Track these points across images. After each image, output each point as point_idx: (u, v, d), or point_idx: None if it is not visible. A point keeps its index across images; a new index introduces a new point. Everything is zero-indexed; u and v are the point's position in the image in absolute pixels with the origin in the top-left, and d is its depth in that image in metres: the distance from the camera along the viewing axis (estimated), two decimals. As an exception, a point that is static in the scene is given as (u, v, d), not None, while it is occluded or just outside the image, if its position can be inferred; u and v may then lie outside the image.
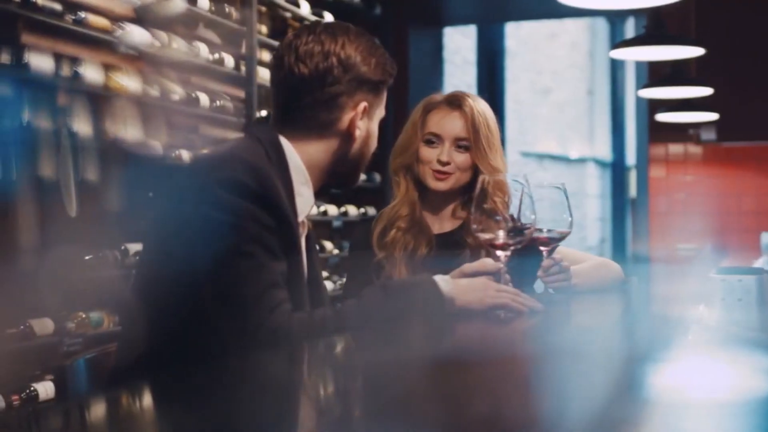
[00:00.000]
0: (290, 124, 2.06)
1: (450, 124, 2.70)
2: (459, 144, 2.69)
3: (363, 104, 2.07)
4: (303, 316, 1.90)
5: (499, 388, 1.35)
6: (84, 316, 3.65)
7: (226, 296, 1.83)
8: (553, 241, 2.35)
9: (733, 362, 1.66)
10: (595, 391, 1.25)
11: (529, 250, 2.32)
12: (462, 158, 2.68)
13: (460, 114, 2.70)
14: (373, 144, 2.16)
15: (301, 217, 2.04)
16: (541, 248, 2.38)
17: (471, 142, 2.67)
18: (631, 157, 11.08)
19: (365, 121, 2.09)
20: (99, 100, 3.80)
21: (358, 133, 2.08)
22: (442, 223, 2.77)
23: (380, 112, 2.15)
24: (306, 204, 2.06)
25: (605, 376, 1.37)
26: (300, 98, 2.05)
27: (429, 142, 2.71)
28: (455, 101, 2.72)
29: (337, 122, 2.06)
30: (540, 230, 2.29)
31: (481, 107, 2.71)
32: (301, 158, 2.05)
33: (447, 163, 2.67)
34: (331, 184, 2.17)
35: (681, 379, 1.47)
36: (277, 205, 1.90)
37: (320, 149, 2.07)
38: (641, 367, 1.55)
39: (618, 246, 11.23)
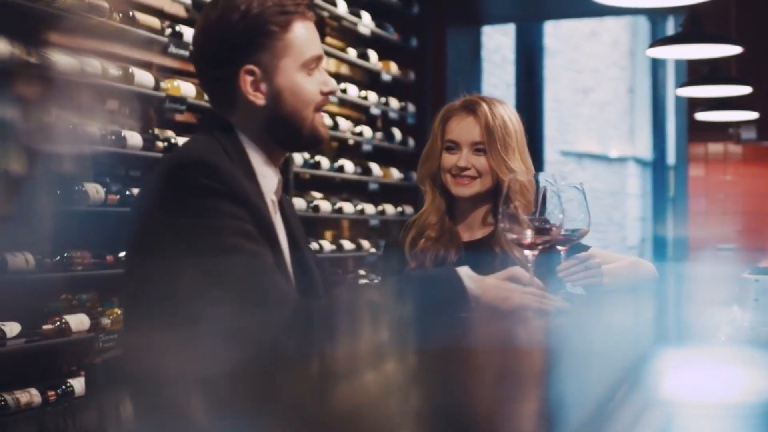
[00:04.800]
0: (220, 108, 2.03)
1: (465, 130, 2.68)
2: (477, 148, 2.68)
3: (244, 68, 1.96)
4: (320, 304, 1.87)
5: (510, 385, 1.34)
6: (119, 312, 3.68)
7: (229, 295, 1.78)
8: (570, 241, 2.34)
9: (761, 363, 1.64)
10: (610, 389, 1.25)
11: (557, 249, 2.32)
12: (481, 161, 2.66)
13: (475, 119, 2.68)
14: (301, 95, 1.99)
15: (268, 196, 1.99)
16: (558, 247, 2.36)
17: (486, 145, 2.67)
18: (671, 156, 11.01)
19: (266, 83, 1.97)
20: (120, 99, 3.84)
21: (256, 98, 1.97)
22: (472, 231, 2.75)
23: (290, 62, 1.98)
24: (270, 183, 2.00)
25: (623, 376, 1.36)
26: (202, 83, 2.07)
27: (449, 149, 2.70)
28: (470, 106, 2.70)
29: (238, 95, 1.98)
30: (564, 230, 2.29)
31: (499, 111, 2.68)
32: (248, 137, 2.00)
33: (466, 168, 2.67)
34: (291, 150, 2.14)
35: (703, 380, 1.46)
36: (243, 197, 1.85)
37: (249, 124, 2.00)
38: (663, 366, 1.54)
39: (659, 245, 11.15)
